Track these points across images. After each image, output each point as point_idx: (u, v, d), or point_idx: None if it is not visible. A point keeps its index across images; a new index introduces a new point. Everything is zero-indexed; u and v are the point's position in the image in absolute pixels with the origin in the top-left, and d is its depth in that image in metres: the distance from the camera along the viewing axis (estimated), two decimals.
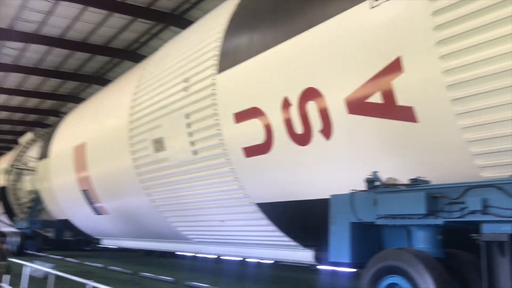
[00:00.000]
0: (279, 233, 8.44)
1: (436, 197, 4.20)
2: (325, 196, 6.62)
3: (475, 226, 4.09)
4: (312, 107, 6.31)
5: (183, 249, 12.31)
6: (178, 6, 17.05)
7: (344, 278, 13.34)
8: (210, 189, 9.07)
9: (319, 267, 15.71)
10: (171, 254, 22.14)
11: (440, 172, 4.99)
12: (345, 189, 5.63)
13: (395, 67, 5.18)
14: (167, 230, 11.75)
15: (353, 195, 5.04)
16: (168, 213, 11.18)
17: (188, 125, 8.96)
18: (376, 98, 5.46)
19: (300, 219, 7.79)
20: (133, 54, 20.65)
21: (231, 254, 11.16)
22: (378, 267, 4.33)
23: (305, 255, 8.73)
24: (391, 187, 4.61)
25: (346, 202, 5.10)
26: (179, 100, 9.23)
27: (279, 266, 17.14)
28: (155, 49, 17.79)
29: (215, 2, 15.67)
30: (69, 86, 26.04)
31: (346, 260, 4.95)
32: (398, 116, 5.27)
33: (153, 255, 21.86)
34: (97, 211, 14.60)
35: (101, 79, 23.92)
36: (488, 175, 4.71)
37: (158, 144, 9.99)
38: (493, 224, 3.84)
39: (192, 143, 8.96)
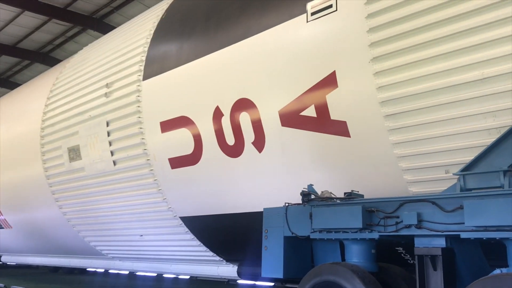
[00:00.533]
0: (202, 248, 8.18)
1: (371, 211, 4.22)
2: (255, 209, 6.53)
3: (408, 240, 4.16)
4: (245, 118, 6.19)
5: (96, 265, 11.58)
6: (97, 10, 16.32)
7: None
8: (130, 202, 8.59)
9: (240, 281, 15.58)
10: (80, 271, 20.85)
11: (372, 186, 5.07)
12: (275, 203, 5.56)
13: (330, 81, 5.21)
14: (79, 244, 10.97)
15: (287, 208, 4.95)
16: (81, 226, 10.44)
17: (109, 133, 8.45)
18: (310, 112, 5.46)
19: (226, 233, 7.59)
20: (45, 57, 19.41)
21: (149, 270, 10.67)
22: (313, 282, 4.26)
23: (228, 270, 8.54)
24: (326, 201, 4.58)
25: (280, 216, 5.00)
26: (99, 106, 8.70)
27: (196, 282, 16.72)
28: (70, 53, 16.85)
29: (137, 8, 15.23)
30: None
31: (279, 275, 4.84)
32: (331, 130, 5.30)
33: (60, 272, 20.41)
34: None
35: (8, 82, 22.20)
36: (416, 190, 4.85)
37: (73, 153, 9.33)
38: (426, 238, 3.92)
39: (112, 153, 8.45)
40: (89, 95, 9.04)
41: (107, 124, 8.45)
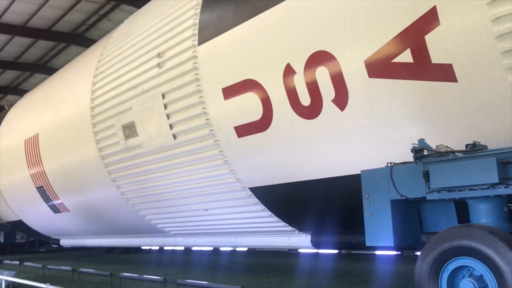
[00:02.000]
0: (274, 218, 7.72)
1: (507, 162, 3.58)
2: (335, 174, 5.96)
3: None
4: (322, 74, 5.55)
5: (156, 243, 11.34)
6: None
7: (327, 259, 12.93)
8: (194, 176, 8.16)
9: (301, 251, 15.24)
10: (135, 249, 20.99)
11: (486, 137, 4.39)
12: (363, 167, 4.97)
13: (429, 18, 4.50)
14: (139, 223, 10.73)
15: (393, 168, 4.35)
16: (140, 205, 10.16)
17: (165, 105, 7.98)
18: (405, 57, 4.78)
19: (300, 201, 7.09)
20: (80, 38, 19.03)
21: (214, 244, 10.35)
22: (442, 249, 3.68)
23: (299, 240, 8.10)
24: (445, 156, 3.95)
25: (383, 178, 4.41)
26: (152, 78, 8.21)
27: (254, 253, 16.48)
28: (105, 32, 16.39)
29: None
30: (8, 76, 23.87)
31: (389, 243, 4.29)
32: (433, 76, 4.61)
33: (115, 251, 20.60)
34: (55, 209, 13.27)
35: (45, 68, 22.02)
36: None
37: (129, 130, 8.93)
38: None
39: (171, 126, 7.99)
40: (140, 68, 8.55)
41: (163, 97, 7.97)
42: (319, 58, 5.55)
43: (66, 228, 14.09)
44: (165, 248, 18.79)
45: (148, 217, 10.40)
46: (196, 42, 7.30)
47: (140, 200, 10.00)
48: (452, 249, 3.63)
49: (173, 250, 19.39)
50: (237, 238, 9.39)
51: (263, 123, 6.44)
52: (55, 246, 18.67)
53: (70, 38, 19.22)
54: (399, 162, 4.36)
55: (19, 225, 17.05)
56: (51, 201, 13.11)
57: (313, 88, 5.67)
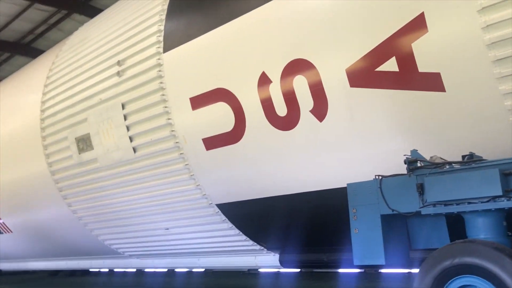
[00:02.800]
0: (241, 237, 7.32)
1: (509, 174, 3.40)
2: (314, 188, 5.68)
3: None
4: (300, 83, 5.28)
5: (109, 265, 10.63)
6: None
7: (289, 279, 12.57)
8: (155, 192, 7.64)
9: (261, 271, 14.78)
10: (82, 272, 19.76)
11: (476, 148, 4.23)
12: (343, 180, 4.74)
13: (416, 25, 4.34)
14: (92, 244, 9.99)
15: (383, 181, 4.10)
16: (94, 224, 9.45)
17: (125, 116, 7.45)
18: (390, 66, 4.59)
19: (271, 218, 6.76)
20: (27, 48, 18.01)
21: (177, 265, 9.81)
22: (443, 267, 3.43)
23: (267, 260, 7.76)
24: (442, 167, 3.74)
25: (372, 191, 4.15)
26: (111, 88, 7.67)
27: (211, 274, 15.85)
28: (54, 42, 15.52)
29: None
30: None
31: (380, 262, 4.01)
32: (419, 86, 4.44)
33: (61, 274, 19.28)
34: None
35: None
36: None
37: (83, 143, 8.30)
38: None
39: (131, 138, 7.46)
40: (97, 76, 7.99)
41: (123, 107, 7.45)
42: (297, 66, 5.28)
43: (7, 250, 12.97)
44: (116, 270, 17.82)
45: (101, 238, 9.69)
46: (161, 49, 6.87)
47: (94, 219, 9.30)
48: (454, 267, 3.39)
49: (124, 272, 18.41)
50: (199, 259, 8.91)
51: (234, 135, 6.08)
52: None
53: (16, 48, 18.15)
54: (385, 175, 4.11)
55: None
56: None
57: (290, 98, 5.39)
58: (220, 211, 7.07)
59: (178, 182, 7.15)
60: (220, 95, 6.10)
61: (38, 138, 9.33)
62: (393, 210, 4.00)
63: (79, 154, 8.43)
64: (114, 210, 8.65)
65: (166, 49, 6.83)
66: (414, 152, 4.00)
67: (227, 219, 7.12)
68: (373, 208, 4.12)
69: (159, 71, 6.83)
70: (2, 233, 12.07)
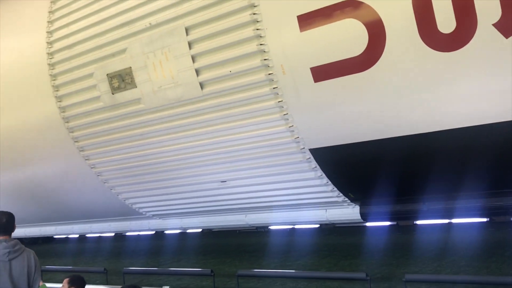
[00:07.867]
0: (329, 187, 6.35)
1: None
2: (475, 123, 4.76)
3: None
4: None
5: (134, 227, 9.22)
6: None
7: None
8: (223, 138, 6.39)
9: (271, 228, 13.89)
10: (44, 239, 17.78)
11: None
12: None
13: None
14: (110, 205, 8.54)
15: None
16: (116, 180, 8.01)
17: (190, 44, 6.01)
18: None
19: (380, 165, 5.80)
20: None
21: (209, 225, 8.67)
22: None
23: (346, 212, 6.90)
24: None
25: None
26: (167, 8, 6.14)
27: (209, 234, 14.69)
28: None
29: None
30: None
31: None
32: None
33: (40, 242, 17.20)
34: None
35: None
36: None
37: (119, 80, 6.72)
38: None
39: (198, 72, 6.06)
40: None
41: (187, 32, 5.98)
42: None
43: None
44: (89, 235, 16.15)
45: (122, 196, 8.27)
46: None
47: (119, 174, 7.83)
48: None
49: (99, 237, 16.81)
50: (246, 215, 7.87)
51: (365, 60, 4.92)
52: None
53: None
54: None
55: None
56: None
57: (464, 6, 4.32)
58: (312, 157, 5.97)
59: (264, 124, 5.92)
60: (347, 8, 4.88)
61: (45, 77, 7.53)
62: None
63: (113, 94, 6.85)
64: (154, 162, 7.25)
65: None
66: None
67: (318, 166, 6.06)
68: None
69: None
70: None
